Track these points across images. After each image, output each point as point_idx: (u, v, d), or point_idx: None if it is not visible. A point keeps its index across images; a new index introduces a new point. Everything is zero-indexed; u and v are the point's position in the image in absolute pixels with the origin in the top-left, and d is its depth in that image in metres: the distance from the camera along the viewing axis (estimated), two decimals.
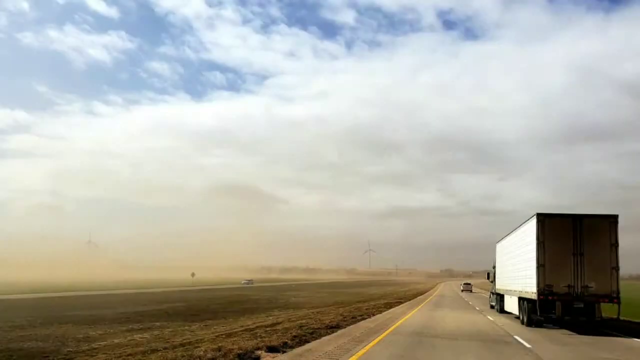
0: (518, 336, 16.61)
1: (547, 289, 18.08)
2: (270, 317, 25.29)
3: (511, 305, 24.54)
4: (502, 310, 27.75)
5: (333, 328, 17.75)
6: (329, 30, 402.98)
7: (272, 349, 12.32)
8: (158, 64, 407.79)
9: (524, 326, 20.27)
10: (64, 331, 20.22)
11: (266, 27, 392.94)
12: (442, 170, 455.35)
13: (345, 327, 18.31)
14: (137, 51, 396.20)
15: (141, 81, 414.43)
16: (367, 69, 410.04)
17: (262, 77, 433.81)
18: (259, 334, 15.64)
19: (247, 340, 13.98)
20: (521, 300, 21.45)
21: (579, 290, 17.94)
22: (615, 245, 17.94)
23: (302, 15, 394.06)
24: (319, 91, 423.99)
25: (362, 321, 21.21)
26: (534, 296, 18.46)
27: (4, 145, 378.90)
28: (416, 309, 30.24)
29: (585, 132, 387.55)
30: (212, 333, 17.68)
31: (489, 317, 25.41)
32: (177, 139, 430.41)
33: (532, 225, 19.12)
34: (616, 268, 17.84)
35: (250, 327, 19.36)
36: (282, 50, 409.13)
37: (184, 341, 15.30)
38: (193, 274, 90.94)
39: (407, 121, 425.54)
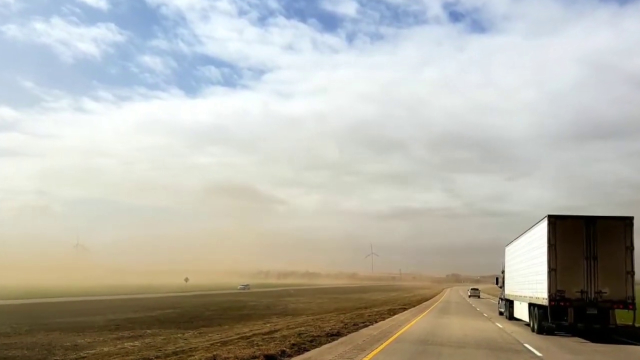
0: (528, 344, 16.62)
1: (559, 294, 18.08)
2: (268, 324, 25.30)
3: (521, 311, 24.56)
4: (511, 317, 27.77)
5: (334, 336, 17.76)
6: (330, 22, 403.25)
7: (269, 358, 12.32)
8: (150, 58, 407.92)
9: (534, 334, 20.28)
10: (51, 339, 20.22)
11: (263, 19, 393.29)
12: (447, 170, 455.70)
13: (346, 335, 18.32)
14: (127, 45, 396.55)
15: (132, 76, 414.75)
16: (369, 63, 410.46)
17: (259, 72, 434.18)
18: (255, 342, 15.65)
19: (244, 348, 13.98)
20: (531, 306, 21.46)
21: (592, 296, 17.95)
22: (630, 248, 17.95)
23: (301, 6, 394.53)
24: (318, 86, 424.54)
25: (365, 328, 21.22)
26: (545, 302, 18.47)
27: None
28: (421, 316, 30.26)
29: (597, 129, 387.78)
30: (207, 341, 17.68)
31: (497, 324, 25.43)
32: (170, 136, 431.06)
33: (542, 228, 19.12)
34: (631, 272, 17.85)
35: (247, 334, 19.36)
36: (280, 44, 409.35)
37: (177, 349, 15.29)
38: (187, 279, 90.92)
39: (410, 118, 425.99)
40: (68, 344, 18.56)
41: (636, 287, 18.00)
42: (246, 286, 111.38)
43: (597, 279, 17.95)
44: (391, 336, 17.92)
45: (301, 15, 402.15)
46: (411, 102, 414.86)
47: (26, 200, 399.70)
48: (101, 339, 20.20)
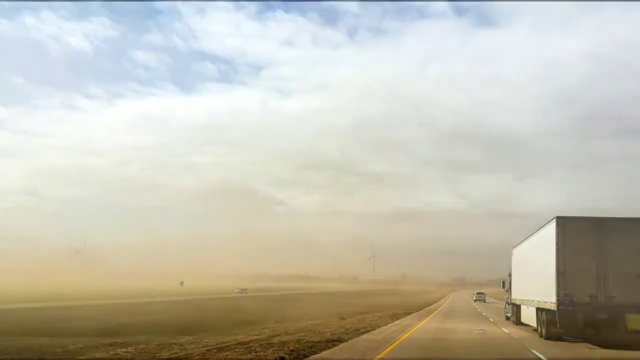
0: (536, 350, 16.61)
1: (568, 299, 18.06)
2: (266, 330, 25.27)
3: (528, 316, 24.55)
4: (518, 322, 27.76)
5: (335, 342, 17.76)
6: (330, 16, 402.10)
7: None
8: (144, 54, 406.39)
9: (542, 339, 20.27)
10: (42, 344, 20.20)
11: (262, 13, 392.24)
12: (452, 170, 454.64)
13: (347, 341, 18.32)
14: (121, 40, 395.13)
15: (126, 72, 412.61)
16: (372, 59, 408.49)
17: (257, 68, 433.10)
18: (253, 348, 15.65)
19: (241, 354, 13.99)
20: (539, 311, 21.45)
21: (603, 301, 17.93)
22: None
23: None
24: (318, 83, 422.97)
25: (366, 334, 21.23)
26: (554, 306, 18.46)
27: None
28: (425, 320, 30.28)
29: (609, 127, 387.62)
30: (203, 347, 17.66)
31: (504, 329, 25.43)
32: (165, 134, 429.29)
33: (551, 230, 19.11)
34: None
35: (244, 340, 19.34)
36: (279, 39, 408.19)
37: (172, 356, 15.29)
38: (182, 282, 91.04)
39: (414, 116, 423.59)
40: (59, 349, 18.54)
41: None
42: (244, 290, 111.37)
43: (608, 283, 17.94)
44: (394, 342, 17.92)
45: (301, 9, 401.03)
46: (415, 100, 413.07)
47: (17, 201, 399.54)
48: (93, 344, 20.17)
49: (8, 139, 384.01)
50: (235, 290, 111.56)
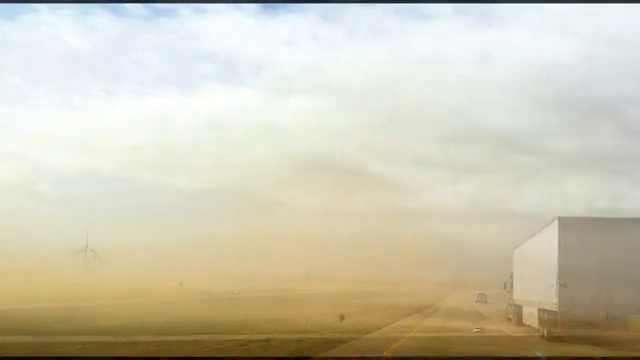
0: (537, 350, 16.63)
1: (570, 299, 18.05)
2: (266, 331, 25.26)
3: (530, 316, 24.53)
4: (520, 323, 27.75)
5: (335, 342, 17.74)
6: (331, 16, 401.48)
7: None
8: (143, 53, 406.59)
9: (544, 340, 20.25)
10: (40, 344, 20.17)
11: (261, 12, 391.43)
12: (452, 170, 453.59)
13: (348, 342, 18.29)
14: (120, 39, 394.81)
15: (125, 72, 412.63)
16: (372, 59, 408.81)
17: (256, 67, 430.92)
18: (252, 349, 15.63)
19: (240, 355, 13.94)
20: (541, 311, 21.43)
21: (604, 301, 17.92)
22: None
23: None
24: (319, 82, 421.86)
25: (367, 334, 21.20)
26: (555, 307, 18.44)
27: None
28: (426, 322, 30.26)
29: (611, 127, 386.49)
30: (202, 348, 17.65)
31: (505, 330, 25.42)
32: (164, 135, 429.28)
33: (553, 230, 19.09)
34: None
35: (244, 341, 19.32)
36: (279, 38, 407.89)
37: (171, 356, 15.26)
38: (181, 283, 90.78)
39: (414, 116, 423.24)
40: (58, 349, 18.53)
41: None
42: (243, 290, 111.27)
43: (610, 283, 17.93)
44: (395, 343, 17.92)
45: (301, 8, 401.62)
46: (416, 100, 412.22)
47: (16, 201, 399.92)
48: (92, 344, 20.15)
49: (6, 139, 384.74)
50: (235, 291, 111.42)
